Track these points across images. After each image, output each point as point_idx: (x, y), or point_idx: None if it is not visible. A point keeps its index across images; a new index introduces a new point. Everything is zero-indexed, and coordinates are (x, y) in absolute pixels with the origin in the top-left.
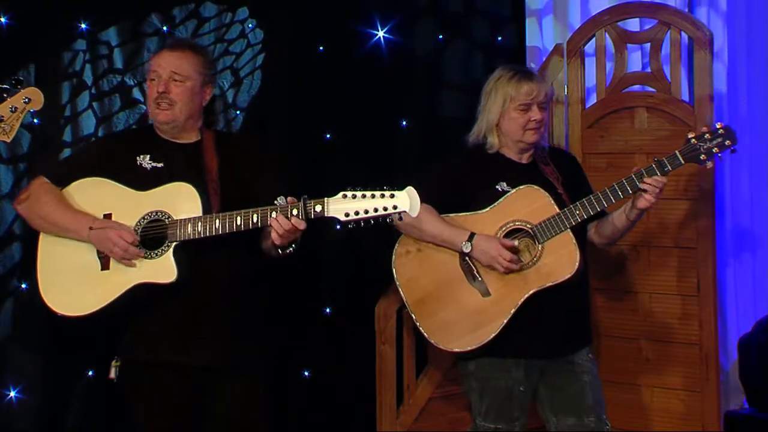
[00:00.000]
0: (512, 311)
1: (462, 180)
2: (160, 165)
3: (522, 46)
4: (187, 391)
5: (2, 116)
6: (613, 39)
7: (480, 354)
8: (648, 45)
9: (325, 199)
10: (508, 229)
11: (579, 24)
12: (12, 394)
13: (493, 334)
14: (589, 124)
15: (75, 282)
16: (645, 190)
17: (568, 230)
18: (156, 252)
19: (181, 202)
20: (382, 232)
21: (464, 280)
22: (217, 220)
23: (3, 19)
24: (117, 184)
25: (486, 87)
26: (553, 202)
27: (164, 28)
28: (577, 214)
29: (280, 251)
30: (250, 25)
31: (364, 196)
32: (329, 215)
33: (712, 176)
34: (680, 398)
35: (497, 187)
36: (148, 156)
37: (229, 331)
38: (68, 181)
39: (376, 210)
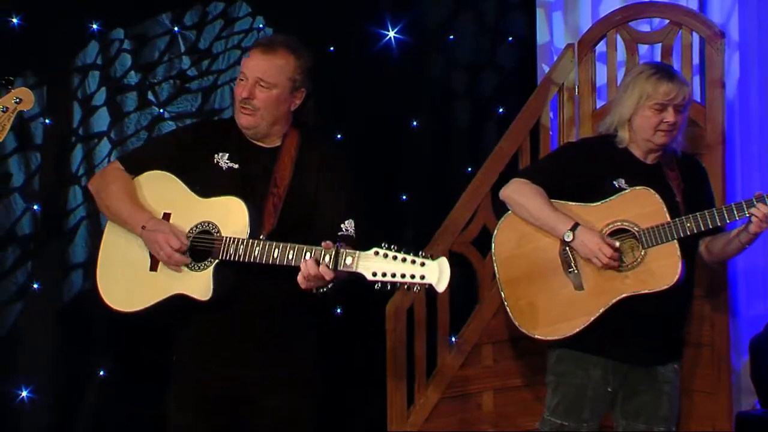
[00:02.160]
0: (601, 310)
1: (582, 167)
2: (236, 166)
3: (533, 45)
4: (231, 401)
5: None
6: (624, 39)
7: (563, 344)
8: (659, 45)
9: (358, 253)
10: (614, 228)
11: (589, 21)
12: (24, 393)
13: (578, 329)
14: (600, 126)
15: (125, 276)
16: (753, 216)
17: (675, 241)
18: (200, 265)
19: (231, 218)
20: (389, 232)
21: (560, 269)
22: (257, 249)
23: (15, 20)
24: (182, 184)
25: (625, 79)
26: (665, 209)
27: (175, 28)
28: (687, 227)
29: (314, 290)
30: (260, 25)
31: (395, 258)
32: (357, 270)
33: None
34: (692, 399)
35: (615, 182)
36: (227, 155)
37: (276, 342)
38: (141, 170)
39: (403, 276)
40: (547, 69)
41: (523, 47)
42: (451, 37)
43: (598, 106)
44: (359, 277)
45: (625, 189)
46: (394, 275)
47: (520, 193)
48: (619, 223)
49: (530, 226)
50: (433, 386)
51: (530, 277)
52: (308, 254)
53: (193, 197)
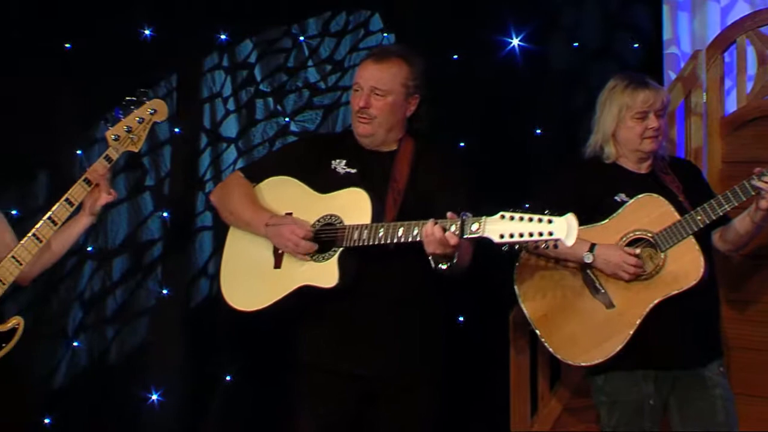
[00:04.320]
0: (638, 322)
1: (580, 192)
2: (353, 171)
3: (659, 53)
4: (358, 402)
5: (130, 127)
6: (754, 45)
7: (609, 367)
8: None
9: (484, 218)
10: (628, 240)
11: (718, 25)
12: (154, 397)
13: (620, 346)
14: (729, 132)
15: (249, 277)
16: (761, 190)
17: (691, 236)
18: (323, 255)
19: (354, 208)
20: None
21: (587, 292)
22: (381, 230)
23: (147, 31)
24: (303, 184)
25: (600, 98)
26: (674, 209)
27: (300, 38)
28: (699, 219)
29: (433, 264)
30: (384, 34)
31: (521, 219)
32: (485, 235)
33: None
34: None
35: (616, 198)
36: (344, 161)
37: (404, 341)
38: (261, 177)
39: (531, 234)
40: (673, 75)
41: (648, 54)
42: (576, 44)
43: (726, 113)
44: (486, 242)
45: (628, 201)
46: (522, 235)
47: None
48: (632, 234)
49: (546, 259)
50: (557, 396)
51: (560, 308)
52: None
53: (313, 194)
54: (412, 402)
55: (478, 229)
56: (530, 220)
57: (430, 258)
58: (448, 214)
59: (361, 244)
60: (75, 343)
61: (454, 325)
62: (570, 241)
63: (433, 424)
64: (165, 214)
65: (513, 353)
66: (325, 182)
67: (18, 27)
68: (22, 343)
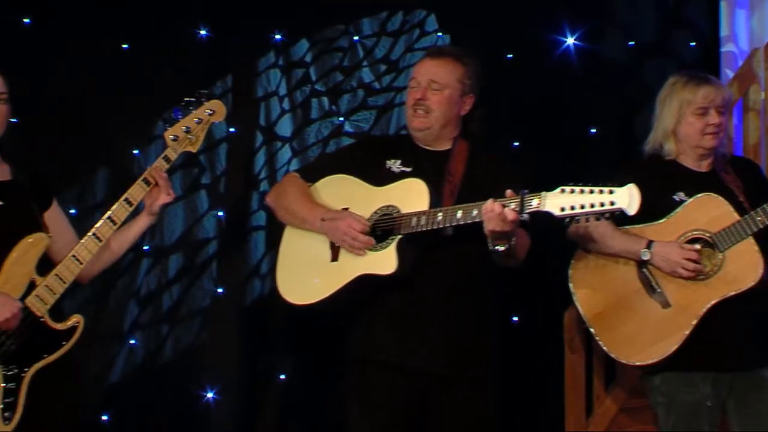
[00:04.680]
0: (694, 322)
1: (641, 187)
2: (408, 169)
3: (716, 50)
4: (411, 395)
5: (189, 127)
6: None
7: (665, 368)
8: None
9: (543, 192)
10: (686, 239)
11: None
12: (209, 395)
13: (676, 346)
14: None
15: (306, 272)
16: None
17: (751, 237)
18: (381, 245)
19: (411, 197)
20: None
21: (643, 291)
22: (440, 214)
23: (203, 32)
24: (358, 180)
25: (660, 95)
26: (733, 209)
27: (355, 38)
28: (759, 220)
29: (491, 245)
30: (438, 34)
31: (582, 191)
32: (545, 209)
33: None
34: None
35: (674, 197)
36: (399, 161)
37: (458, 333)
38: (317, 178)
39: (592, 206)
40: (730, 73)
41: (705, 51)
42: (631, 43)
43: None
44: (547, 216)
45: (686, 200)
46: (583, 206)
47: (589, 228)
48: (690, 233)
49: (602, 257)
50: (612, 397)
51: (615, 307)
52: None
53: (369, 188)
54: (467, 396)
55: (538, 204)
56: (591, 191)
57: (488, 239)
58: (507, 192)
59: (419, 230)
60: (131, 341)
61: (508, 325)
62: (632, 211)
63: (487, 418)
64: (220, 214)
65: (568, 353)
66: (380, 180)
67: (77, 28)
68: (80, 340)
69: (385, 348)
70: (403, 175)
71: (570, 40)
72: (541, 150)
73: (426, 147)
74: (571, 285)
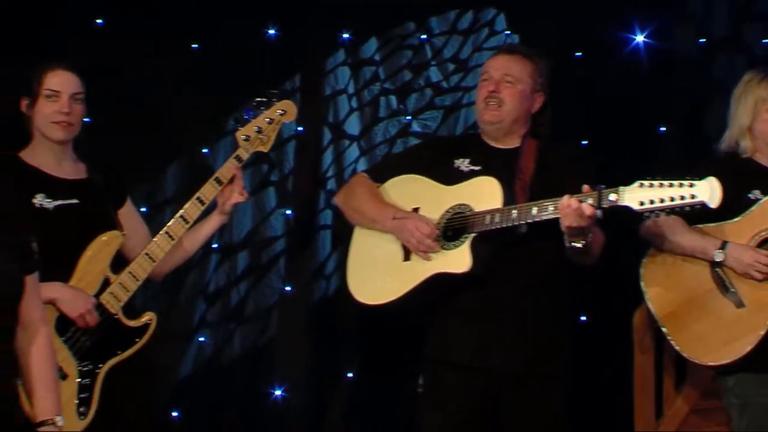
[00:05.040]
0: None
1: None
2: (477, 168)
3: None
4: (485, 394)
5: (260, 127)
6: None
7: (739, 369)
8: None
9: (620, 187)
10: (761, 239)
11: None
12: (277, 393)
13: (750, 347)
14: None
15: (378, 272)
16: None
17: None
18: (455, 243)
19: (483, 195)
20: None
21: (716, 291)
22: (514, 211)
23: (271, 31)
24: (428, 179)
25: (735, 92)
26: None
27: (422, 36)
28: None
29: (567, 242)
30: (507, 32)
31: (661, 185)
32: (623, 204)
33: None
34: None
35: (749, 195)
36: (468, 160)
37: (532, 331)
38: (385, 177)
39: (672, 199)
40: None
41: None
42: (702, 40)
43: None
44: (626, 210)
45: (761, 199)
46: (662, 200)
47: (663, 227)
48: (765, 233)
49: (675, 256)
50: (683, 397)
51: (688, 306)
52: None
53: (440, 187)
54: (540, 394)
55: (615, 198)
56: (670, 185)
57: (565, 236)
58: (584, 187)
59: (493, 227)
60: (201, 338)
61: (577, 325)
62: (714, 203)
63: (558, 416)
64: (288, 212)
65: (637, 353)
66: (449, 179)
67: (147, 29)
68: (152, 337)
69: (458, 347)
70: (472, 174)
71: (639, 38)
72: (610, 149)
73: (495, 145)
74: (642, 284)
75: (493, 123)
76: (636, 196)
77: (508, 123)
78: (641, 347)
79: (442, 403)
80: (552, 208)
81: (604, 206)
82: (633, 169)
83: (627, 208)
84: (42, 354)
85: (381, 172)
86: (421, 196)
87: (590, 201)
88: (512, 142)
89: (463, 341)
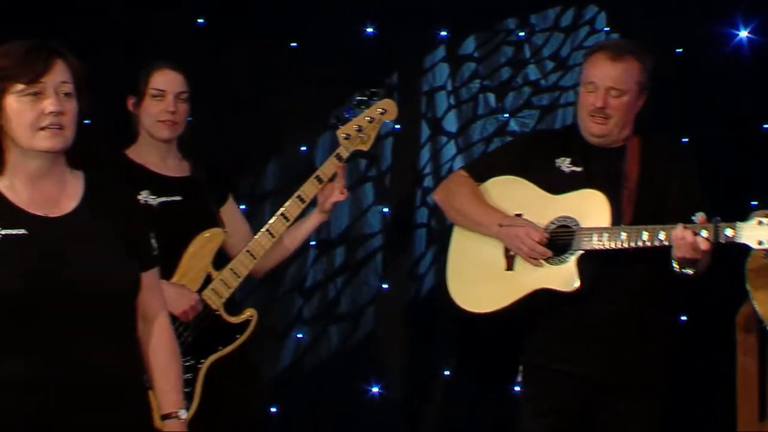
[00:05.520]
0: None
1: None
2: (579, 169)
3: None
4: (582, 403)
5: (361, 126)
6: None
7: None
8: None
9: (738, 223)
10: None
11: None
12: (374, 389)
13: None
14: None
15: (479, 278)
16: None
17: None
18: (560, 258)
19: (591, 210)
20: None
21: None
22: (623, 233)
23: (369, 29)
24: (531, 184)
25: None
26: None
27: (520, 34)
28: None
29: (677, 269)
30: (606, 28)
31: None
32: (740, 241)
33: None
34: None
35: None
36: (568, 159)
37: (630, 343)
38: (486, 177)
39: None
40: None
41: None
42: None
43: None
44: (742, 248)
45: None
46: None
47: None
48: None
49: None
50: None
51: None
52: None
53: (544, 195)
54: (636, 406)
55: (732, 235)
56: None
57: (674, 262)
58: (699, 217)
59: (600, 247)
60: (298, 335)
61: (676, 325)
62: None
63: (654, 428)
64: (385, 210)
65: (740, 353)
66: (550, 181)
67: (247, 28)
68: (252, 333)
69: (557, 355)
70: (574, 176)
71: (743, 33)
72: (712, 147)
73: (596, 143)
74: (747, 284)
75: (600, 136)
76: (755, 234)
77: (615, 133)
78: (744, 348)
79: (541, 410)
80: (663, 236)
81: (720, 241)
82: (735, 167)
83: (743, 246)
84: (165, 348)
85: (481, 171)
86: (525, 202)
87: (705, 234)
88: (616, 143)
89: (561, 349)
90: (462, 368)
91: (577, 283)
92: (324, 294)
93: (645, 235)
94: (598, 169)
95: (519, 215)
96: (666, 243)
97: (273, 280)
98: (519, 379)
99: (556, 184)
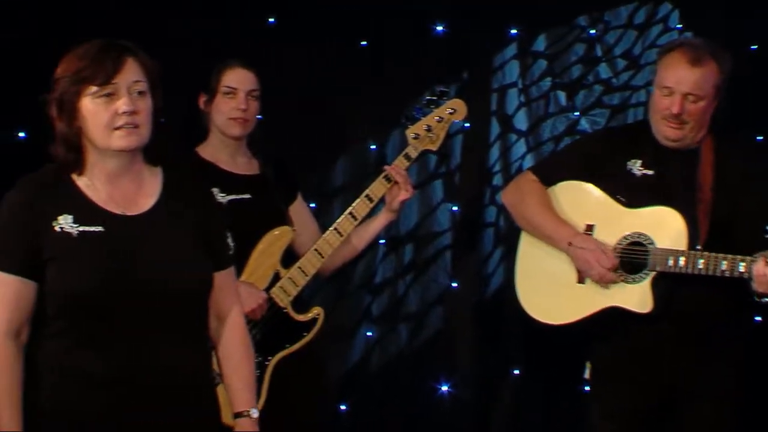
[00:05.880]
0: None
1: None
2: (650, 172)
3: None
4: (653, 406)
5: (430, 126)
6: None
7: None
8: None
9: None
10: None
11: None
12: (444, 388)
13: None
14: None
15: (549, 288)
16: None
17: None
18: (634, 277)
19: (666, 230)
20: None
21: None
22: (701, 260)
23: (439, 27)
24: (602, 192)
25: None
26: None
27: (591, 32)
28: None
29: (757, 298)
30: (678, 26)
31: None
32: None
33: None
34: None
35: None
36: (639, 162)
37: (707, 349)
38: (554, 179)
39: None
40: None
41: None
42: None
43: None
44: None
45: None
46: None
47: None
48: None
49: None
50: None
51: None
52: (762, 262)
53: (616, 207)
54: (709, 412)
55: None
56: None
57: (754, 296)
58: None
59: (676, 271)
60: (368, 333)
61: (752, 326)
62: None
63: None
64: (455, 208)
65: None
66: (621, 185)
67: (317, 27)
68: (319, 331)
69: (627, 358)
70: (645, 180)
71: None
72: None
73: (669, 145)
74: None
75: (675, 141)
76: None
77: (690, 138)
78: None
79: (611, 411)
80: (743, 268)
81: None
82: None
83: None
84: (238, 347)
85: (549, 173)
86: (596, 213)
87: None
88: (689, 145)
89: (634, 353)
90: (532, 367)
91: (650, 305)
92: (393, 292)
93: (724, 265)
94: (672, 174)
95: (590, 226)
96: (746, 276)
97: (342, 277)
98: (586, 375)
99: (628, 188)
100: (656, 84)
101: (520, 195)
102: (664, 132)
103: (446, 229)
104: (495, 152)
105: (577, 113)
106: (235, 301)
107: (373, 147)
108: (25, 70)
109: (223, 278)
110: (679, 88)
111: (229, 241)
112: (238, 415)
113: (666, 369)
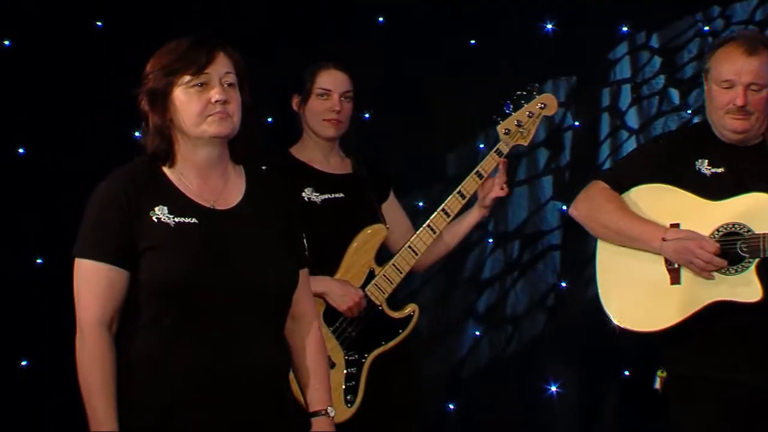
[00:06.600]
0: None
1: None
2: (720, 170)
3: None
4: (745, 410)
5: (521, 121)
6: None
7: None
8: None
9: None
10: None
11: None
12: (553, 388)
13: None
14: None
15: (640, 296)
16: None
17: None
18: (735, 268)
19: (762, 214)
20: None
21: None
22: None
23: (549, 26)
24: (681, 191)
25: None
26: None
27: (705, 28)
28: None
29: None
30: None
31: None
32: None
33: None
34: None
35: None
36: (706, 161)
37: None
38: (627, 185)
39: None
40: None
41: None
42: None
43: None
44: None
45: None
46: None
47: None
48: None
49: None
50: None
51: None
52: None
53: (700, 201)
54: None
55: None
56: None
57: None
58: None
59: None
60: (476, 332)
61: None
62: None
63: None
64: (563, 207)
65: None
66: (693, 185)
67: (424, 26)
68: (426, 329)
69: (719, 365)
70: (716, 177)
71: None
72: None
73: (730, 141)
74: None
75: (741, 133)
76: None
77: (756, 129)
78: None
79: (707, 421)
80: None
81: None
82: None
83: None
84: (314, 346)
85: (621, 180)
86: (680, 210)
87: None
88: (752, 140)
89: (726, 358)
90: (641, 368)
91: (760, 293)
92: (499, 289)
93: None
94: (745, 169)
95: (676, 225)
96: None
97: (449, 274)
98: (656, 386)
99: (701, 187)
100: (713, 80)
101: (594, 204)
102: (731, 125)
103: (554, 227)
104: (605, 149)
105: (689, 112)
106: (310, 301)
107: (482, 146)
108: (25, 86)
109: (301, 278)
110: (740, 80)
111: (305, 242)
112: (315, 414)
113: (755, 364)
